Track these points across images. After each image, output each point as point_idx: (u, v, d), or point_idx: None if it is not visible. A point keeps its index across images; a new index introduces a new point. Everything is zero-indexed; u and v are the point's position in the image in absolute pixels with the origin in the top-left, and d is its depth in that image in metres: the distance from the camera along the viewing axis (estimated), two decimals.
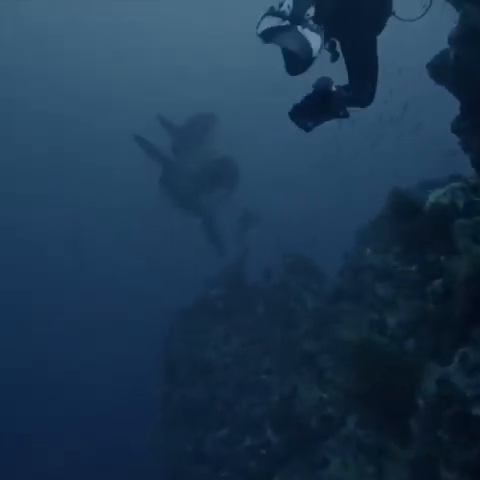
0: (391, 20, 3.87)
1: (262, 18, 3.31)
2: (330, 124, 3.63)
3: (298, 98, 3.38)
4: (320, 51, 3.32)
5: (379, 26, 3.74)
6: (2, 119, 32.33)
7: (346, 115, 3.43)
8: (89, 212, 26.16)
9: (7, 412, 15.40)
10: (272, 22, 3.28)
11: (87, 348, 17.55)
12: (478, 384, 4.02)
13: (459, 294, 4.39)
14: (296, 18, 3.25)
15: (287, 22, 3.24)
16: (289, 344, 8.51)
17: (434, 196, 4.81)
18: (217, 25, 31.47)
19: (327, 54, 3.67)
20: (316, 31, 3.26)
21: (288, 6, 3.29)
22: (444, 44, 5.18)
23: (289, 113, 3.41)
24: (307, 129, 3.45)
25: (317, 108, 3.37)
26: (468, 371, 4.16)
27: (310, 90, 3.41)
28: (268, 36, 3.33)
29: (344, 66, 3.70)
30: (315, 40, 3.28)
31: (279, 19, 3.26)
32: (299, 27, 3.23)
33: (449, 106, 5.43)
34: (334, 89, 3.36)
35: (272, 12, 3.29)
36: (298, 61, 3.43)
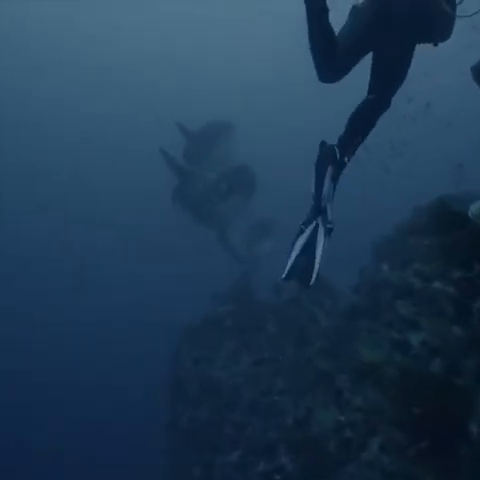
0: None
1: None
2: None
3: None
4: None
5: (425, 37, 3.53)
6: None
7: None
8: (89, 221, 25.71)
9: None
10: None
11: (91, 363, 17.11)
12: None
13: None
14: None
15: None
16: (302, 363, 8.19)
17: (476, 208, 4.52)
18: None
19: None
20: None
21: None
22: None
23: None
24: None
25: None
26: None
27: None
28: None
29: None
30: None
31: None
32: None
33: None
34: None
35: None
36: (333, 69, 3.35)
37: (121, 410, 14.66)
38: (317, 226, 3.46)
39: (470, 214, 4.73)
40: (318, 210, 3.43)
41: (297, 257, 3.45)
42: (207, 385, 8.50)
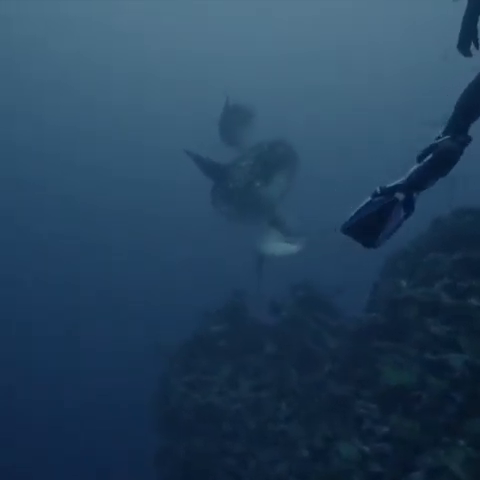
0: None
1: None
2: None
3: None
4: None
5: None
6: None
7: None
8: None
9: None
10: None
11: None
12: None
13: None
14: None
15: None
16: (310, 388, 7.49)
17: None
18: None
19: None
20: None
21: None
22: None
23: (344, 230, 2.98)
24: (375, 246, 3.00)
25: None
26: None
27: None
28: None
29: None
30: None
31: None
32: None
33: None
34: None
35: None
36: None
37: (105, 440, 13.81)
38: (396, 201, 2.89)
39: None
40: (406, 188, 2.86)
41: (368, 215, 2.86)
42: (203, 412, 7.66)
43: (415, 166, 2.99)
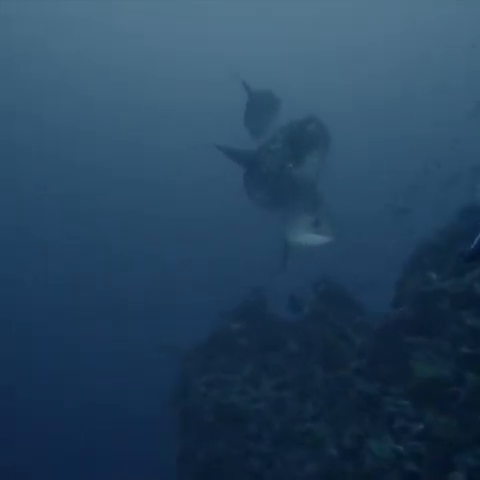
0: None
1: None
2: None
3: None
4: None
5: None
6: None
7: None
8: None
9: None
10: None
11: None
12: None
13: None
14: None
15: None
16: (336, 386, 7.23)
17: None
18: None
19: None
20: None
21: None
22: None
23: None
24: None
25: None
26: None
27: None
28: None
29: None
30: None
31: None
32: None
33: None
34: None
35: None
36: None
37: (105, 440, 13.59)
38: None
39: None
40: None
41: None
42: (225, 413, 7.38)
43: None
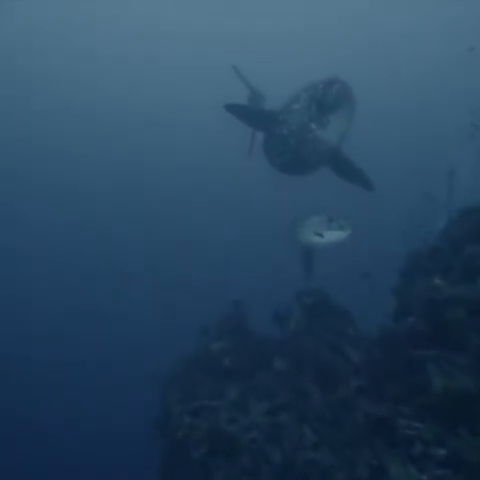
0: None
1: None
2: None
3: None
4: None
5: None
6: None
7: None
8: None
9: None
10: None
11: None
12: None
13: None
14: None
15: None
16: (338, 407, 6.54)
17: None
18: None
19: None
20: None
21: None
22: None
23: None
24: None
25: None
26: None
27: None
28: None
29: None
30: None
31: None
32: None
33: None
34: None
35: None
36: None
37: (105, 443, 14.19)
38: None
39: None
40: None
41: None
42: (215, 444, 6.53)
43: None
